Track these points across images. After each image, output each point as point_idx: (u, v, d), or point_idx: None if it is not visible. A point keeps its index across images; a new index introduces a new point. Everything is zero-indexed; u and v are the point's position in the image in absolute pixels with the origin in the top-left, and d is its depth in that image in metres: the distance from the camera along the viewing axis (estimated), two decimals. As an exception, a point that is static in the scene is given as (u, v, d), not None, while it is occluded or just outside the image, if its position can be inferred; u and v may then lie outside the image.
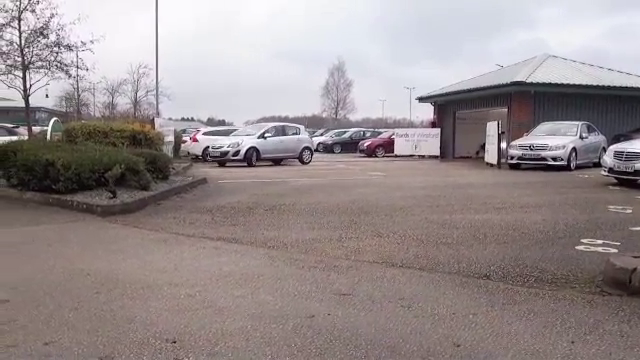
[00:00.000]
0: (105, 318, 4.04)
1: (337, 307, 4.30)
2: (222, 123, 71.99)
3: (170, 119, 39.79)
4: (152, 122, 20.86)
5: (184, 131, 33.84)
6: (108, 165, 10.00)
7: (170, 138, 21.27)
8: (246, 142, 22.19)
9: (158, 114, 32.65)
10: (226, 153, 21.98)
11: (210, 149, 23.08)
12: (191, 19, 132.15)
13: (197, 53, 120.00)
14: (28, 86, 17.24)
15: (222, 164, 22.13)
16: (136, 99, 53.21)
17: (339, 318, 4.05)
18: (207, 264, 5.74)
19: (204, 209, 9.52)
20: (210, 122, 77.49)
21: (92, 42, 17.67)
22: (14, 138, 14.58)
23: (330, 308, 4.27)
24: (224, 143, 22.43)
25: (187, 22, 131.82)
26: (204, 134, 27.29)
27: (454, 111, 29.87)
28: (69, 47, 17.47)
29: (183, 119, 76.82)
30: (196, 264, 5.77)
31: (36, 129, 20.62)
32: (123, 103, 52.93)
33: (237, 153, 21.82)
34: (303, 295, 4.62)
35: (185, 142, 26.65)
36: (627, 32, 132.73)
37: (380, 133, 40.44)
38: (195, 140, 26.37)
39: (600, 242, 6.66)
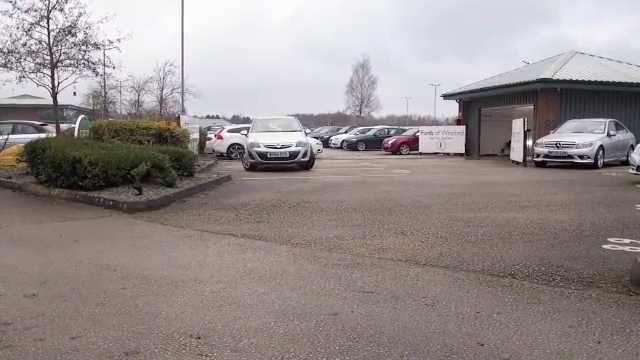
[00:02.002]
0: (131, 313, 4.10)
1: (360, 305, 4.30)
2: (247, 121, 72.41)
3: (195, 117, 40.16)
4: (178, 120, 20.95)
5: (209, 129, 34.10)
6: (134, 162, 10.12)
7: (195, 135, 21.26)
8: (309, 141, 18.60)
9: (184, 111, 32.92)
10: (296, 154, 17.70)
11: (264, 148, 17.69)
12: (217, 18, 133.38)
13: (222, 51, 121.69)
14: (56, 84, 17.47)
15: (253, 167, 17.87)
16: (162, 97, 53.60)
17: (362, 316, 4.05)
18: (231, 261, 5.78)
19: (229, 206, 9.59)
20: (235, 119, 78.02)
21: (119, 40, 17.83)
22: (42, 135, 14.78)
23: (353, 306, 4.28)
24: (287, 142, 17.88)
25: (213, 21, 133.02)
26: (229, 131, 27.47)
27: (479, 108, 29.59)
28: (96, 45, 17.66)
29: (208, 117, 77.62)
30: (220, 261, 5.81)
31: (64, 126, 20.84)
32: (149, 101, 53.36)
33: (305, 154, 17.95)
34: (326, 292, 4.63)
35: (210, 139, 26.83)
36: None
37: (404, 130, 40.26)
38: (220, 137, 26.55)
39: (627, 241, 6.55)
